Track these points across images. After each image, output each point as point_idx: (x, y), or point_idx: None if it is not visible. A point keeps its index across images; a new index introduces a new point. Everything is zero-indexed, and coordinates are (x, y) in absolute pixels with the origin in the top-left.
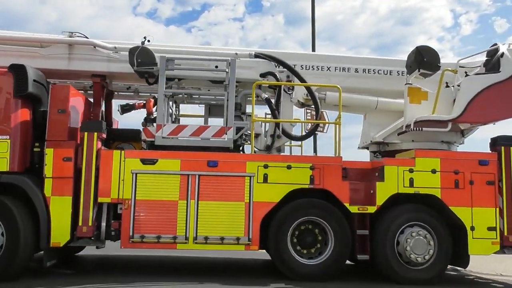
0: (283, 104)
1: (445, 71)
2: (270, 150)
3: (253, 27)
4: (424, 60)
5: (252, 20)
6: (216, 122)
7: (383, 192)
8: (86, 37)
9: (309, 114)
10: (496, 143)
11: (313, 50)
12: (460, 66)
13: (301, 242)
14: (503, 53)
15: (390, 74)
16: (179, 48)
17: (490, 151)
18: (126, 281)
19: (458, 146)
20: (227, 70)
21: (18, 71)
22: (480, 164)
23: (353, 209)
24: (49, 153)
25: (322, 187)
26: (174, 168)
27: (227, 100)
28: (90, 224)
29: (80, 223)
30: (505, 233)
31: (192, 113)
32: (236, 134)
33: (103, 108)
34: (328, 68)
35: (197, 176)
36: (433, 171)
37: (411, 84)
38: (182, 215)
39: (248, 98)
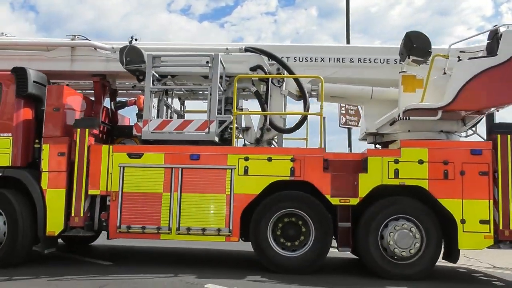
0: (273, 97)
1: (435, 57)
2: (260, 143)
3: (286, 21)
4: (413, 46)
5: (284, 14)
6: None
7: (366, 183)
8: (88, 39)
9: (343, 108)
10: (491, 131)
11: (348, 43)
12: (460, 51)
13: (284, 234)
14: (501, 35)
15: (387, 63)
16: (172, 46)
17: (487, 140)
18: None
19: (460, 136)
20: (210, 65)
21: (19, 73)
22: (472, 153)
23: (335, 201)
24: (45, 148)
25: (303, 179)
26: (158, 162)
27: (210, 95)
28: (81, 215)
29: (72, 214)
30: (500, 227)
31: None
32: (219, 127)
33: (111, 106)
34: (322, 59)
35: (180, 169)
36: (420, 162)
37: (406, 72)
38: (166, 207)
39: (242, 92)
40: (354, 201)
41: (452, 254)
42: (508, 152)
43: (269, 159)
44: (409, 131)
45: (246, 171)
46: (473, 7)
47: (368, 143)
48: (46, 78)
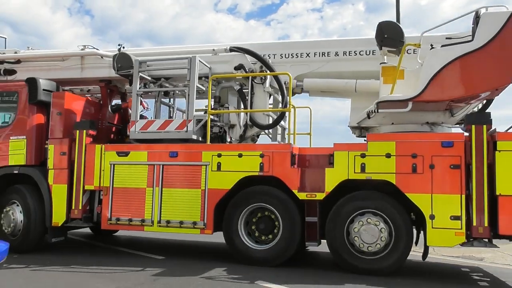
0: (256, 95)
1: (406, 46)
2: (244, 140)
3: (332, 17)
4: (385, 36)
5: (331, 10)
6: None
7: (332, 178)
8: (97, 49)
9: None
10: (466, 121)
11: None
12: (446, 38)
13: (259, 228)
14: (479, 19)
15: (373, 54)
16: (163, 50)
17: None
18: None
19: (450, 128)
20: (188, 67)
21: (31, 83)
22: (443, 146)
23: (302, 195)
24: (50, 148)
25: (271, 174)
26: (142, 159)
27: (188, 95)
28: (80, 208)
29: (73, 207)
30: (474, 224)
31: None
32: (196, 125)
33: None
34: (308, 54)
35: (161, 166)
36: (388, 155)
37: (386, 63)
38: (149, 201)
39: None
40: (320, 196)
41: (424, 250)
42: (483, 144)
43: (240, 155)
44: (392, 123)
45: (219, 167)
46: None
47: (356, 137)
48: (55, 85)
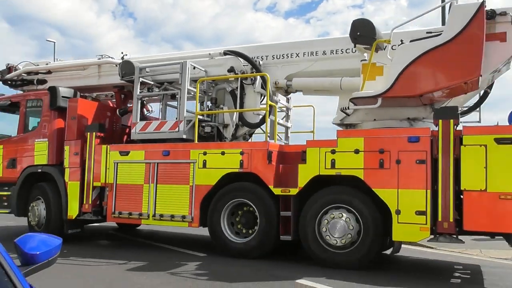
0: (247, 95)
1: (377, 42)
2: (235, 138)
3: (373, 13)
4: (358, 34)
5: (372, 6)
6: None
7: (304, 174)
8: (112, 58)
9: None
10: (435, 116)
11: None
12: (427, 32)
13: (242, 222)
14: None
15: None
16: (163, 56)
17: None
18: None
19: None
20: (180, 72)
21: (52, 90)
22: (410, 141)
23: (277, 191)
24: (66, 149)
25: (250, 170)
26: (140, 158)
27: (180, 98)
28: (90, 202)
29: (84, 202)
30: (439, 219)
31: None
32: (187, 126)
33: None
34: (297, 55)
35: (156, 164)
36: (356, 151)
37: (366, 60)
38: (146, 196)
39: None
40: (294, 191)
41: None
42: (450, 139)
43: (223, 153)
44: (374, 120)
45: (204, 164)
46: None
47: None
48: (73, 92)
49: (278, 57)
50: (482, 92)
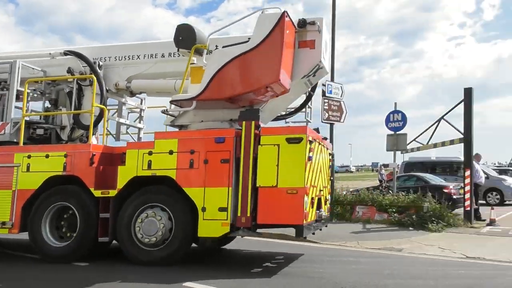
0: (85, 96)
1: (195, 47)
2: (71, 141)
3: None
4: (180, 39)
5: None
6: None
7: (123, 175)
8: None
9: (326, 104)
10: (239, 117)
11: (333, 39)
12: (249, 38)
13: (67, 226)
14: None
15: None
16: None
17: None
18: None
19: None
20: (9, 72)
21: None
22: (216, 141)
23: (97, 193)
24: None
25: (72, 173)
26: None
27: (7, 99)
28: None
29: None
30: (238, 214)
31: None
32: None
33: None
34: (138, 56)
35: None
36: (170, 152)
37: (195, 63)
38: None
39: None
40: (113, 193)
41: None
42: (250, 139)
43: (47, 156)
44: (202, 121)
45: (28, 168)
46: (456, 3)
47: None
48: None
49: (120, 58)
50: (306, 94)
